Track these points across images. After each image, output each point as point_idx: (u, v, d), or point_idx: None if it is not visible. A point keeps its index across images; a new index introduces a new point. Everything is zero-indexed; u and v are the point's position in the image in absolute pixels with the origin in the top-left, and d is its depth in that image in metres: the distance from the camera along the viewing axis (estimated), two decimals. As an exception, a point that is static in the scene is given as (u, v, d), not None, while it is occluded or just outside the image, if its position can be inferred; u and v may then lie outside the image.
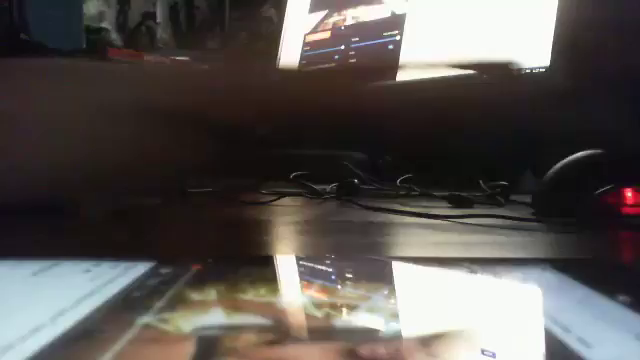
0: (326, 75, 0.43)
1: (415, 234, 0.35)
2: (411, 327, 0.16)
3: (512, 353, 0.14)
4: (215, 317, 0.15)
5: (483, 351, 0.13)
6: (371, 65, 0.51)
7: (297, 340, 0.14)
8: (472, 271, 0.22)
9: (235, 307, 0.16)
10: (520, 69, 0.70)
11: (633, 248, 0.33)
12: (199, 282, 0.19)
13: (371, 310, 0.17)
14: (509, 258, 0.27)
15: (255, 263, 0.24)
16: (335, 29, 0.98)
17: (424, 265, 0.24)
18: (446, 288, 0.20)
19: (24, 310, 0.16)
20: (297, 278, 0.23)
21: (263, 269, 0.23)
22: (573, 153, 0.45)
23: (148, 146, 0.36)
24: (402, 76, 0.85)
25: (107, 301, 0.16)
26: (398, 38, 0.86)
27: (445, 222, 0.39)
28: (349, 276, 0.23)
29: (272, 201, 0.51)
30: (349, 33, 0.95)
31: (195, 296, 0.17)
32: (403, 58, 0.85)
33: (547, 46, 0.67)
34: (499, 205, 0.51)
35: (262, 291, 0.18)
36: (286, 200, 0.53)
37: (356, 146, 0.84)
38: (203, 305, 0.16)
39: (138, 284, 0.19)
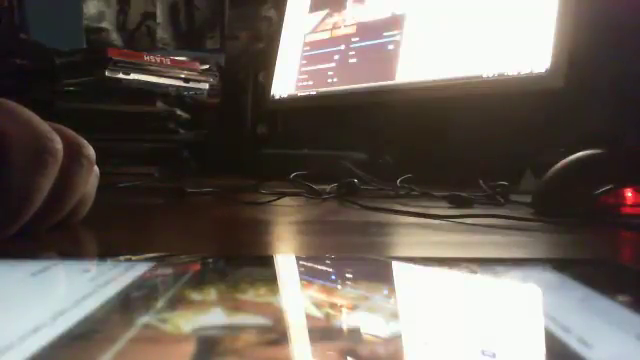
0: None
1: (415, 234, 0.35)
2: (411, 327, 0.16)
3: (512, 353, 0.14)
4: (215, 317, 0.15)
5: (483, 351, 0.13)
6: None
7: (297, 340, 0.14)
8: (472, 271, 0.22)
9: (235, 307, 0.16)
10: (520, 70, 0.70)
11: (633, 248, 0.33)
12: (199, 282, 0.19)
13: (371, 310, 0.17)
14: (509, 258, 0.27)
15: (255, 263, 0.24)
16: (335, 29, 0.98)
17: (424, 265, 0.24)
18: (446, 288, 0.20)
19: (24, 310, 0.16)
20: (297, 278, 0.23)
21: (263, 269, 0.23)
22: (573, 153, 0.45)
23: None
24: (402, 76, 0.85)
25: (107, 301, 0.16)
26: (398, 38, 0.86)
27: (445, 222, 0.39)
28: (349, 276, 0.23)
29: (272, 201, 0.51)
30: (349, 33, 0.95)
31: (195, 296, 0.17)
32: (403, 58, 0.85)
33: (547, 48, 0.67)
34: (499, 205, 0.51)
35: (262, 291, 0.18)
36: (286, 200, 0.53)
37: (356, 146, 0.84)
38: (203, 305, 0.16)
39: (138, 284, 0.19)
